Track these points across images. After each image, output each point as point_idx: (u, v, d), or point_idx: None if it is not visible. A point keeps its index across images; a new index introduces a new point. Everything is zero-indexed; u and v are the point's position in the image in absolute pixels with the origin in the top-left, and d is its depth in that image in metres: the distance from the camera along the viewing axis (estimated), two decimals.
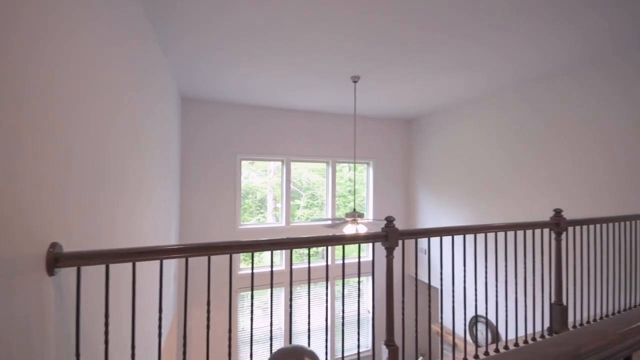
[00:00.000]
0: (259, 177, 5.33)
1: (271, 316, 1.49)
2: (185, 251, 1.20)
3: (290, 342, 1.59)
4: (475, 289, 2.02)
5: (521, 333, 2.75)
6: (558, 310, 2.15)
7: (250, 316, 1.49)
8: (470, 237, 1.94)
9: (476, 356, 1.89)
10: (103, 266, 1.16)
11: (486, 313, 1.96)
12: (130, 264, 1.19)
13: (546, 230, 2.24)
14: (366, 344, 5.66)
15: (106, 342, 1.16)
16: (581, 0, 2.14)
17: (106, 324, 1.15)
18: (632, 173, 2.77)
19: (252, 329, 1.46)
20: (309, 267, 1.61)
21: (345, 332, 5.46)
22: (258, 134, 4.90)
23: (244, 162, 5.01)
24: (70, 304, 1.17)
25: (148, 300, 2.34)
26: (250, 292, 4.95)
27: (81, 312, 1.15)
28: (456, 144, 4.84)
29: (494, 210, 4.18)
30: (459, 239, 1.94)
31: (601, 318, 2.35)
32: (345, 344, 5.47)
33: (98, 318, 1.27)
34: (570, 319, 2.39)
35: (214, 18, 2.40)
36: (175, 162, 4.08)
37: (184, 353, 1.30)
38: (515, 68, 3.33)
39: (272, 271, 1.50)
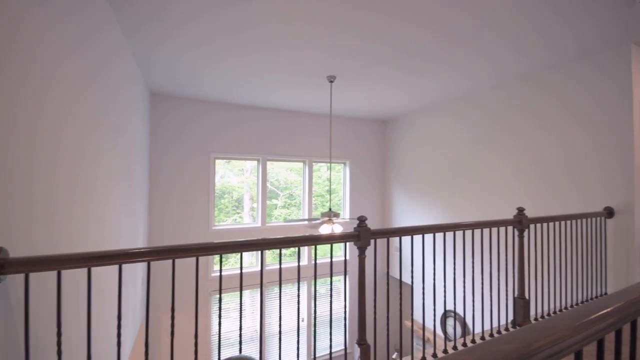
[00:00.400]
0: (235, 176, 5.23)
1: (240, 319, 1.46)
2: (147, 255, 1.15)
3: (261, 344, 1.57)
4: (445, 285, 2.08)
5: (488, 326, 2.85)
6: (521, 303, 2.25)
7: (218, 320, 1.45)
8: (439, 235, 1.99)
9: (445, 351, 1.94)
10: (55, 273, 1.08)
11: (454, 307, 2.02)
12: (93, 270, 1.12)
13: (510, 228, 2.34)
14: (344, 342, 5.70)
15: (59, 353, 1.08)
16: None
17: (58, 334, 1.07)
18: (612, 168, 2.95)
19: (220, 332, 1.42)
20: (280, 268, 1.59)
21: (321, 332, 5.48)
22: (233, 132, 4.80)
23: (219, 161, 4.90)
24: (18, 315, 1.08)
25: (113, 307, 2.23)
26: (225, 294, 4.87)
27: (32, 323, 1.07)
28: (430, 143, 4.97)
29: (466, 208, 4.32)
30: (429, 237, 1.99)
31: (561, 310, 2.49)
32: (322, 344, 5.48)
33: (52, 329, 1.18)
34: (533, 312, 2.51)
35: (189, 13, 2.31)
36: (144, 160, 3.91)
37: None
38: (493, 67, 3.34)
39: (241, 273, 1.46)
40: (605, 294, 2.73)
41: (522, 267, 2.27)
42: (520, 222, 2.23)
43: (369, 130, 5.95)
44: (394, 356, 5.78)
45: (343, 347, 5.65)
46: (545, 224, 2.50)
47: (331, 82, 3.66)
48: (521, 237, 2.27)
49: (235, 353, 4.83)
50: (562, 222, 2.53)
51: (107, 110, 2.20)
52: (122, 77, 2.59)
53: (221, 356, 4.90)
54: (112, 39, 2.27)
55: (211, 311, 4.70)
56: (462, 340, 2.10)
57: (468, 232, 2.10)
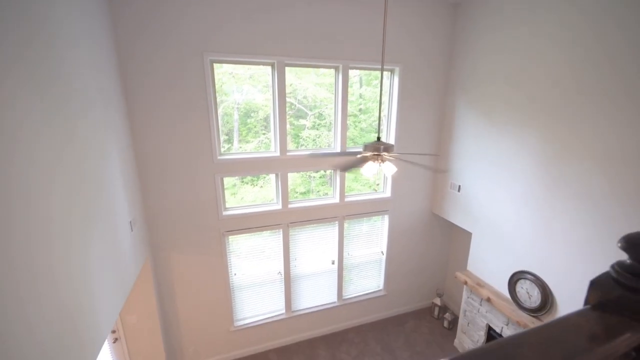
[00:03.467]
0: (260, 93, 4.00)
1: None
2: None
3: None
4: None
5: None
6: None
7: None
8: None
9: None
10: None
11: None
12: None
13: None
14: (377, 284, 5.05)
15: None
16: None
17: None
18: None
19: None
20: None
21: (353, 274, 4.81)
22: (236, 23, 3.33)
23: (240, 75, 3.57)
24: None
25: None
26: (241, 235, 4.12)
27: None
28: (530, 40, 3.22)
29: (580, 138, 2.86)
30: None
31: None
32: (353, 287, 4.86)
33: None
34: None
35: None
36: (111, 79, 2.71)
37: None
38: None
39: None
40: None
41: None
42: None
43: (430, 20, 4.12)
44: (435, 300, 5.12)
45: (378, 290, 5.02)
46: None
47: None
48: None
49: (256, 295, 4.33)
50: None
51: None
52: None
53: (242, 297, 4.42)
54: None
55: (226, 252, 4.02)
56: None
57: None
